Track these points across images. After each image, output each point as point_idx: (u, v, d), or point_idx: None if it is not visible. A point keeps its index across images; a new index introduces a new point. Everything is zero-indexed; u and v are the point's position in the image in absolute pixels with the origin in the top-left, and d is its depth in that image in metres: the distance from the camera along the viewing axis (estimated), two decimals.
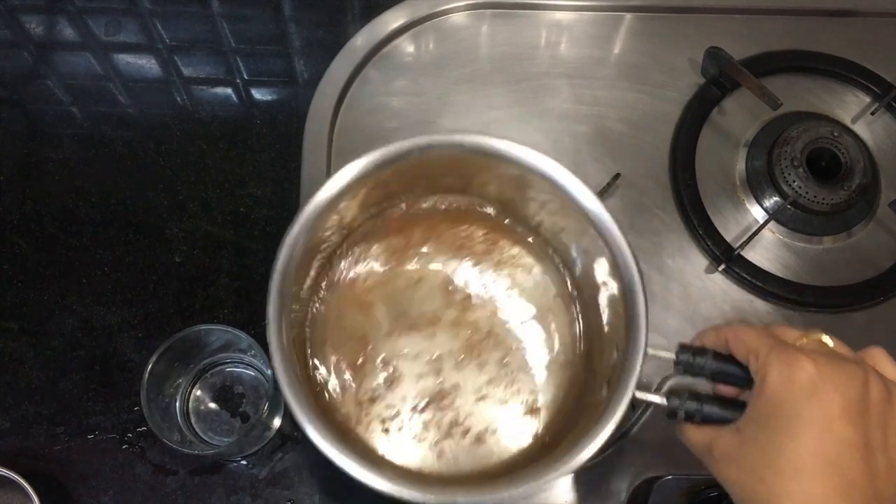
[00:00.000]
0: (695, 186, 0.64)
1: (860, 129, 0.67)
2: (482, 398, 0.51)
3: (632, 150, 0.66)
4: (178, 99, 0.69)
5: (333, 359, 0.52)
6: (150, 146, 0.67)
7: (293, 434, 0.58)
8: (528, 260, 0.55)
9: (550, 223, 0.53)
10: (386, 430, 0.51)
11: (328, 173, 0.64)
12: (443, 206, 0.55)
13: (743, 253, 0.62)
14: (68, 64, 0.71)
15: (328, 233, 0.50)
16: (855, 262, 0.63)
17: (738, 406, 0.39)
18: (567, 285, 0.54)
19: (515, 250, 0.55)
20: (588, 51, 0.70)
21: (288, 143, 0.66)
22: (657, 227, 0.63)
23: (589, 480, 0.55)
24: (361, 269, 0.54)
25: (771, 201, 0.64)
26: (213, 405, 0.58)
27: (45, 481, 0.55)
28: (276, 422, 0.57)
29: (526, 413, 0.51)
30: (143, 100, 0.69)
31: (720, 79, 0.67)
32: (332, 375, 0.51)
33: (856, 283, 0.62)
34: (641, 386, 0.42)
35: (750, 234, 0.62)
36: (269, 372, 0.53)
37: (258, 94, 0.70)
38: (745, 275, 0.61)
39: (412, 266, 0.54)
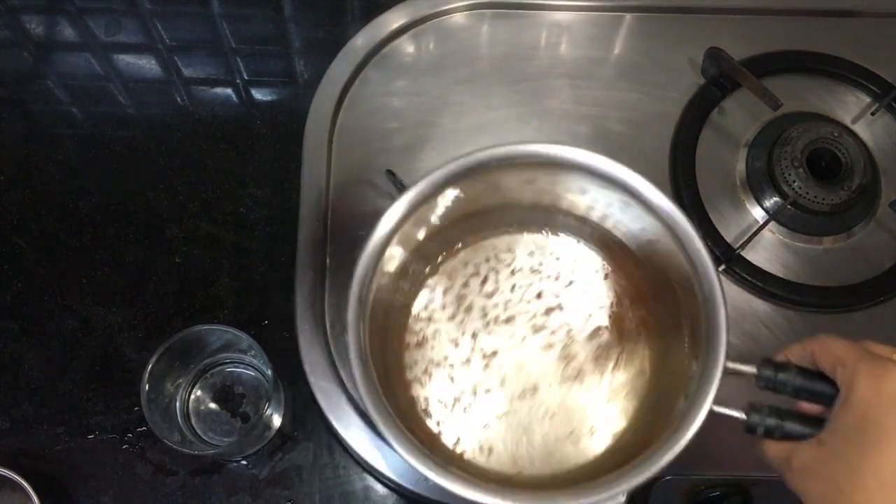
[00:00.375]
0: (695, 187, 0.64)
1: (860, 129, 0.67)
2: (561, 405, 0.51)
3: (632, 150, 0.66)
4: (178, 99, 0.69)
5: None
6: (150, 146, 0.67)
7: (293, 434, 0.58)
8: (594, 269, 0.55)
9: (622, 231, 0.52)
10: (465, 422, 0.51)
11: (328, 173, 0.64)
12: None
13: (743, 253, 0.62)
14: (68, 64, 0.71)
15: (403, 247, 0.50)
16: (855, 263, 0.63)
17: (820, 423, 0.38)
18: (645, 296, 0.54)
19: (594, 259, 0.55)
20: (588, 51, 0.70)
21: (288, 143, 0.66)
22: None
23: None
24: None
25: (771, 202, 0.64)
26: (213, 405, 0.58)
27: (45, 481, 0.55)
28: (276, 422, 0.57)
29: (600, 425, 0.51)
30: (143, 100, 0.69)
31: (720, 79, 0.67)
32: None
33: (856, 283, 0.62)
34: (719, 400, 0.41)
35: (750, 234, 0.62)
36: (269, 372, 0.53)
37: (258, 94, 0.70)
38: (745, 275, 0.61)
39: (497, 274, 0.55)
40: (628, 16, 0.71)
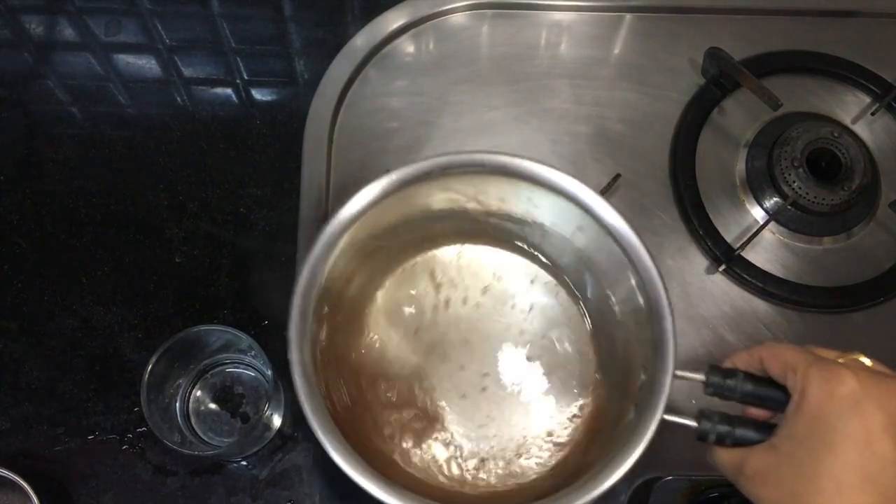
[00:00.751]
0: (695, 187, 0.64)
1: (860, 129, 0.67)
2: (505, 423, 0.52)
3: (632, 150, 0.66)
4: (178, 99, 0.69)
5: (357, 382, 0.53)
6: (150, 146, 0.67)
7: (293, 434, 0.58)
8: (545, 282, 0.56)
9: (563, 243, 0.52)
10: (406, 443, 0.51)
11: (328, 173, 0.64)
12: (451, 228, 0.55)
13: (743, 253, 0.62)
14: (68, 64, 0.71)
15: (346, 258, 0.50)
16: (855, 263, 0.63)
17: (770, 429, 0.38)
18: (581, 305, 0.55)
19: (530, 271, 0.56)
20: (588, 51, 0.70)
21: (288, 143, 0.66)
22: (657, 227, 0.63)
23: None
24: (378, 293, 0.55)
25: (771, 202, 0.64)
26: (213, 405, 0.58)
27: (45, 481, 0.55)
28: (276, 422, 0.57)
29: (549, 438, 0.52)
30: (143, 100, 0.69)
31: (720, 79, 0.67)
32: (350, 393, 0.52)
33: (856, 284, 0.62)
34: (669, 409, 0.41)
35: (750, 234, 0.62)
36: (269, 372, 0.53)
37: (258, 94, 0.70)
38: (745, 275, 0.61)
39: (433, 294, 0.55)
40: (628, 16, 0.71)
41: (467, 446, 0.52)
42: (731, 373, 0.40)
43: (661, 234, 0.63)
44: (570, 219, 0.49)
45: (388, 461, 0.51)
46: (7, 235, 0.63)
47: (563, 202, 0.47)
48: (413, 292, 0.55)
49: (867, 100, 0.69)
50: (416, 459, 0.51)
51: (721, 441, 0.40)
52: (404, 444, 0.52)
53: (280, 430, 0.58)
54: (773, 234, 0.64)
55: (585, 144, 0.66)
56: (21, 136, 0.67)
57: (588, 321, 0.55)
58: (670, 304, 0.44)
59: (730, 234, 0.63)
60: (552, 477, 0.50)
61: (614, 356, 0.51)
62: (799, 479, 0.34)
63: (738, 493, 0.53)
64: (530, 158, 0.47)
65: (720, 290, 0.62)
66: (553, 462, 0.51)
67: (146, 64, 0.71)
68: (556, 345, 0.55)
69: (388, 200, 0.47)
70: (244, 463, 0.57)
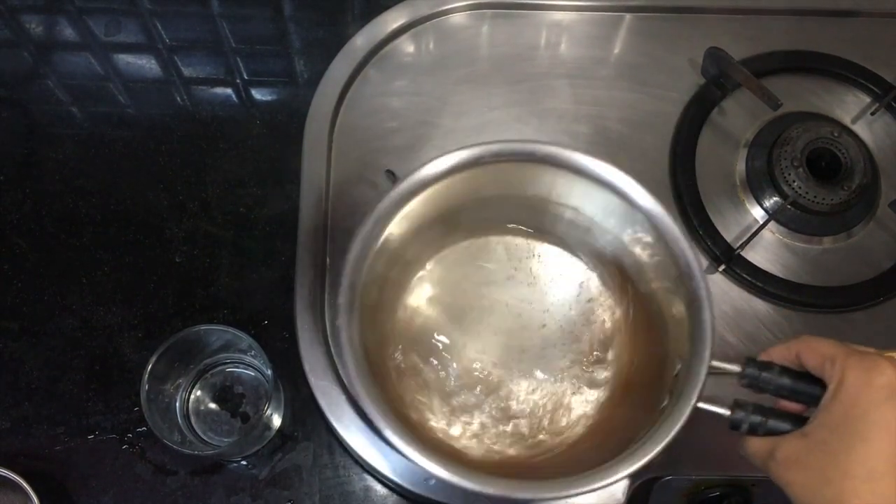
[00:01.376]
0: (695, 187, 0.64)
1: (860, 129, 0.67)
2: (543, 398, 0.53)
3: (632, 150, 0.66)
4: (178, 99, 0.69)
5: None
6: (150, 146, 0.67)
7: (293, 434, 0.58)
8: (588, 270, 0.56)
9: (608, 234, 0.53)
10: (447, 420, 0.52)
11: (328, 173, 0.64)
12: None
13: (743, 253, 0.62)
14: (68, 64, 0.71)
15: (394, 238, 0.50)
16: (855, 263, 0.63)
17: (802, 421, 0.39)
18: (624, 296, 0.55)
19: (574, 260, 0.57)
20: (588, 51, 0.70)
21: (288, 143, 0.66)
22: None
23: None
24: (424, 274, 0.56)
25: (771, 201, 0.64)
26: (213, 405, 0.58)
27: (45, 481, 0.55)
28: (276, 422, 0.57)
29: (581, 419, 0.52)
30: (143, 100, 0.69)
31: (720, 79, 0.67)
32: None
33: (856, 283, 0.62)
34: (704, 398, 0.42)
35: (750, 234, 0.62)
36: (269, 372, 0.53)
37: (258, 94, 0.70)
38: (745, 275, 0.61)
39: (480, 272, 0.56)
40: (628, 16, 0.71)
41: (516, 409, 0.53)
42: (767, 366, 0.41)
43: None
44: (615, 210, 0.49)
45: (426, 430, 0.52)
46: (7, 235, 0.63)
47: (611, 195, 0.48)
48: (461, 270, 0.56)
49: (867, 100, 0.69)
50: (465, 430, 0.53)
51: (753, 431, 0.41)
52: (451, 417, 0.53)
53: (280, 429, 0.58)
54: (773, 233, 0.64)
55: (585, 144, 0.66)
56: (21, 136, 0.67)
57: (631, 310, 0.55)
58: (709, 296, 0.44)
59: (730, 233, 0.63)
60: (583, 455, 0.51)
61: (652, 345, 0.52)
62: (829, 464, 0.35)
63: (738, 492, 0.54)
64: (576, 149, 0.48)
65: (720, 289, 0.62)
66: (586, 444, 0.52)
67: (146, 64, 0.71)
68: (597, 329, 0.55)
69: (447, 181, 0.48)
70: (244, 463, 0.57)
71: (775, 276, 0.62)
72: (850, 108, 0.68)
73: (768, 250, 0.63)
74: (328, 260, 0.61)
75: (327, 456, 0.57)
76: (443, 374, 0.54)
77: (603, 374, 0.54)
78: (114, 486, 0.56)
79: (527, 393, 0.54)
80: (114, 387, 0.59)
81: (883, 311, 0.62)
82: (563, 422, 0.53)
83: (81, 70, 0.70)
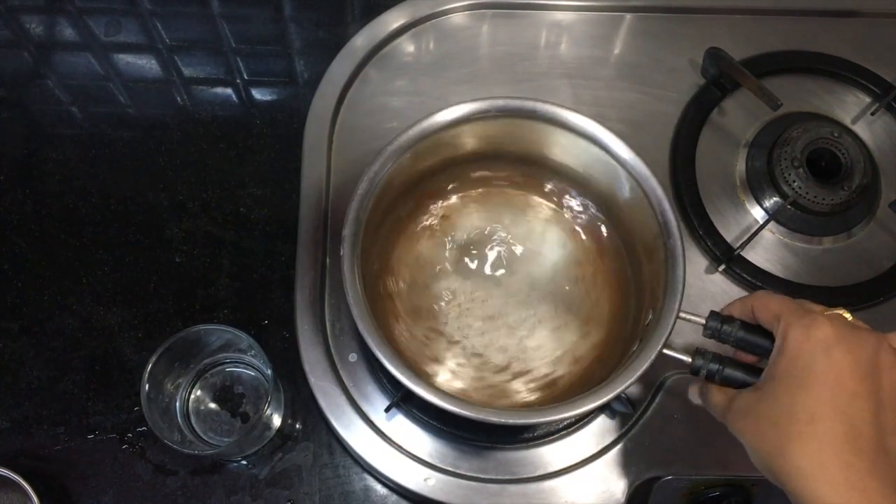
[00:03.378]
0: (695, 187, 0.64)
1: (860, 129, 0.67)
2: (524, 338, 0.57)
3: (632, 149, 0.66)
4: (178, 99, 0.69)
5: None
6: (150, 146, 0.67)
7: (293, 434, 0.58)
8: (569, 224, 0.60)
9: (597, 190, 0.56)
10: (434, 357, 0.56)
11: (328, 173, 0.64)
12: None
13: (743, 253, 0.62)
14: (68, 64, 0.71)
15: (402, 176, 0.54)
16: (855, 263, 0.63)
17: (757, 372, 0.43)
18: (605, 249, 0.58)
19: (555, 214, 0.60)
20: (588, 51, 0.70)
21: (288, 143, 0.66)
22: None
23: (589, 480, 0.55)
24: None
25: (771, 202, 0.64)
26: (213, 405, 0.58)
27: (45, 481, 0.55)
28: (276, 422, 0.57)
29: (563, 363, 0.56)
30: (143, 100, 0.69)
31: (720, 79, 0.67)
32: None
33: (856, 283, 0.62)
34: (670, 347, 0.45)
35: (750, 234, 0.62)
36: (269, 372, 0.53)
37: (258, 94, 0.70)
38: (745, 275, 0.61)
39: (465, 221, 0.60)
40: (628, 16, 0.71)
41: (495, 359, 0.57)
42: (728, 319, 0.45)
43: None
44: (604, 169, 0.53)
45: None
46: (7, 235, 0.63)
47: (594, 148, 0.52)
48: (461, 217, 0.60)
49: (867, 100, 0.69)
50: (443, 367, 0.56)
51: (711, 378, 0.45)
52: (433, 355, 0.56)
53: (280, 429, 0.58)
54: (773, 233, 0.64)
55: None
56: (21, 136, 0.67)
57: (614, 265, 0.58)
58: (684, 252, 0.48)
59: (730, 233, 0.63)
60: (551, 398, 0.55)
61: (630, 297, 0.56)
62: (777, 411, 0.39)
63: (738, 492, 0.54)
64: (571, 108, 0.52)
65: (720, 289, 0.62)
66: (564, 382, 0.56)
67: (146, 64, 0.71)
68: (582, 282, 0.58)
69: (453, 131, 0.52)
70: (244, 462, 0.57)
71: (775, 276, 0.62)
72: (850, 108, 0.68)
73: (768, 250, 0.63)
74: (328, 260, 0.61)
75: (327, 456, 0.57)
76: (436, 307, 0.57)
77: (586, 325, 0.57)
78: (114, 486, 0.56)
79: (514, 336, 0.57)
80: (114, 387, 0.59)
81: (883, 311, 0.61)
82: (546, 367, 0.56)
83: (81, 70, 0.70)
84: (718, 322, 0.45)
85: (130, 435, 0.57)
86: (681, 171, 0.64)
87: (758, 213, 0.64)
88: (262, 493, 0.56)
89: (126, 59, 0.71)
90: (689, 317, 0.46)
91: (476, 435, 0.56)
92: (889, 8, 0.72)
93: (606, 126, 0.51)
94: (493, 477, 0.55)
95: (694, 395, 0.46)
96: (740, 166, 0.66)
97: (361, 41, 0.69)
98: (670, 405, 0.57)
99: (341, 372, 0.57)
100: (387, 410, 0.56)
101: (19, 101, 0.69)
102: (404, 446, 0.56)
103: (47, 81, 0.70)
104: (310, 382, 0.57)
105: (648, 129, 0.67)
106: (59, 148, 0.66)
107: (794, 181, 0.62)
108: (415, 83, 0.68)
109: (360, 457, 0.55)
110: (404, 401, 0.56)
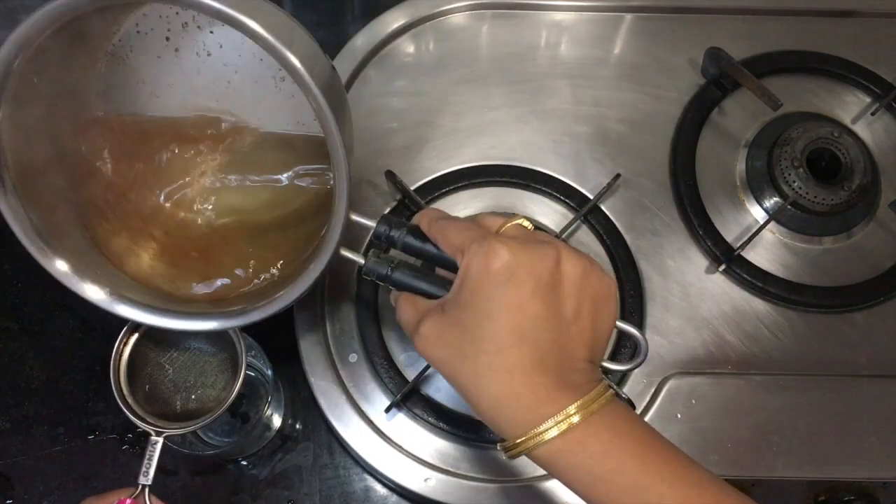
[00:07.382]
0: (695, 187, 0.64)
1: (860, 129, 0.67)
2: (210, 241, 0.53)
3: (632, 150, 0.66)
4: None
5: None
6: None
7: (293, 434, 0.58)
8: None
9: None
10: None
11: None
12: None
13: (743, 253, 0.62)
14: None
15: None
16: (855, 263, 0.63)
17: (433, 281, 0.43)
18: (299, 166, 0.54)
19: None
20: (588, 51, 0.70)
21: None
22: (657, 227, 0.63)
23: None
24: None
25: (771, 202, 0.64)
26: None
27: (44, 481, 0.55)
28: (276, 422, 0.57)
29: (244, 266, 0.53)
30: None
31: (720, 79, 0.67)
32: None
33: (856, 283, 0.62)
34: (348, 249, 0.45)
35: (750, 234, 0.62)
36: (269, 372, 0.53)
37: None
38: (745, 275, 0.61)
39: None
40: (628, 16, 0.71)
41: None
42: (398, 224, 0.44)
43: (661, 235, 0.63)
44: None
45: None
46: (7, 235, 0.63)
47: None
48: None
49: (867, 100, 0.69)
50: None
51: (383, 280, 0.44)
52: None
53: (280, 430, 0.58)
54: (773, 234, 0.64)
55: (585, 144, 0.66)
56: None
57: (304, 182, 0.54)
58: (346, 157, 0.42)
59: (730, 234, 0.63)
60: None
61: (319, 210, 0.52)
62: (465, 342, 0.39)
63: None
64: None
65: (720, 290, 0.62)
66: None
67: None
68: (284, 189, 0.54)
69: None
70: (244, 463, 0.57)
71: (775, 277, 0.62)
72: (850, 108, 0.68)
73: (768, 250, 0.63)
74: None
75: (327, 456, 0.57)
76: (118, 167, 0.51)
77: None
78: (114, 486, 0.56)
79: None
80: None
81: (883, 311, 0.62)
82: (242, 269, 0.54)
83: None
84: (387, 226, 0.44)
85: (130, 435, 0.57)
86: (681, 171, 0.64)
87: (758, 214, 0.64)
88: (263, 494, 0.56)
89: None
90: (360, 219, 0.45)
91: (477, 435, 0.56)
92: (889, 8, 0.72)
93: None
94: (494, 477, 0.55)
95: (393, 300, 0.46)
96: (740, 166, 0.66)
97: (361, 41, 0.69)
98: (672, 405, 0.57)
99: (341, 372, 0.57)
100: (387, 410, 0.56)
101: None
102: (404, 446, 0.56)
103: None
104: (310, 382, 0.57)
105: (648, 129, 0.67)
106: None
107: (794, 181, 0.62)
108: (415, 83, 0.68)
109: (360, 457, 0.55)
110: (405, 400, 0.56)
